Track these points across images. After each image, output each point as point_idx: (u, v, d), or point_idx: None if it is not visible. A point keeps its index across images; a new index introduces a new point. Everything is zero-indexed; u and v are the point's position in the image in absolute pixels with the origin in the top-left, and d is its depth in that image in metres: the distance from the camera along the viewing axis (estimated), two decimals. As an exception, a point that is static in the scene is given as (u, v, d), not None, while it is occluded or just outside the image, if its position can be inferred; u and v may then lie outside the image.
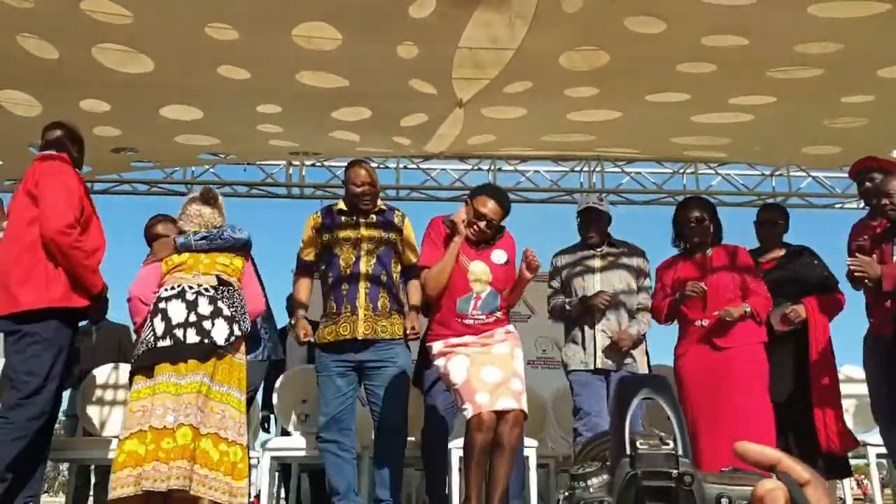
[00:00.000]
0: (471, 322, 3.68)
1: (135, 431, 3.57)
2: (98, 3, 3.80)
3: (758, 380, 4.12)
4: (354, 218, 4.25)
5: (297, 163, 8.02)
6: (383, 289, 4.18)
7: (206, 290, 3.82)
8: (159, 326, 3.69)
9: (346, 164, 8.12)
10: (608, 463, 0.58)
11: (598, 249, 4.55)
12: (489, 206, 3.75)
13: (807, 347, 4.39)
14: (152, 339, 3.68)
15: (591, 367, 4.35)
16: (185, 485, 3.48)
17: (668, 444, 0.56)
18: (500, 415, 3.47)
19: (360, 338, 4.08)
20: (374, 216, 4.28)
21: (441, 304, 3.74)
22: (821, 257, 4.66)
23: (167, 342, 3.67)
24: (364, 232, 4.22)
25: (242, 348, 3.89)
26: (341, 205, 4.32)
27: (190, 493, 3.51)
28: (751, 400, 4.05)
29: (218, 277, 3.88)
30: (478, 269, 3.74)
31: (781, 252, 4.68)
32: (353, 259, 4.17)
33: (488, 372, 3.56)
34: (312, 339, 4.23)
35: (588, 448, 0.73)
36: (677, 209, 4.58)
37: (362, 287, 4.13)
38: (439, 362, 3.68)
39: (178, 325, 3.69)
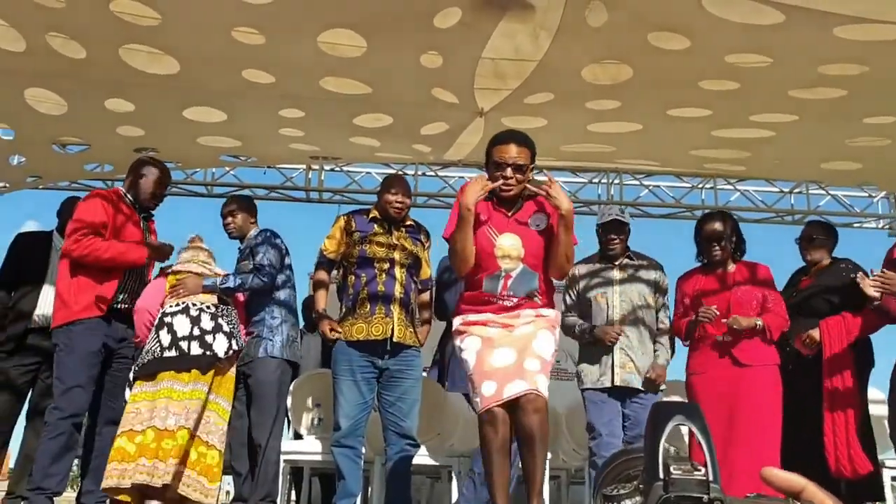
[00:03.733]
0: (499, 303, 3.19)
1: (126, 430, 3.87)
2: (127, 4, 3.84)
3: (774, 404, 4.11)
4: (387, 226, 4.32)
5: (316, 167, 8.07)
6: (409, 299, 4.29)
7: (208, 307, 4.18)
8: (165, 338, 4.02)
9: (363, 169, 8.31)
10: (639, 484, 0.60)
11: (618, 262, 4.56)
12: (511, 151, 3.23)
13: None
14: (158, 349, 4.00)
15: (608, 384, 4.34)
16: (175, 484, 3.81)
17: (700, 470, 0.58)
18: (514, 403, 3.00)
19: (394, 340, 4.13)
20: (404, 229, 4.38)
21: (467, 277, 3.29)
22: (861, 267, 4.49)
23: (173, 353, 3.99)
24: (398, 242, 4.31)
25: (235, 362, 4.25)
26: (374, 213, 4.40)
27: (176, 491, 3.82)
28: (765, 425, 4.04)
29: (218, 297, 4.28)
30: (506, 243, 3.19)
31: (823, 266, 4.62)
32: (388, 266, 4.23)
33: (499, 355, 3.08)
34: (340, 336, 4.24)
35: (612, 466, 0.75)
36: (698, 223, 4.59)
37: (397, 292, 4.21)
38: (456, 341, 3.28)
39: (183, 338, 4.03)
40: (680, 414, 0.61)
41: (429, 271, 4.54)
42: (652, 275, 4.57)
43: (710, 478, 0.57)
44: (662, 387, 4.53)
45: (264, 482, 4.32)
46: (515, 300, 3.17)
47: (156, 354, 3.98)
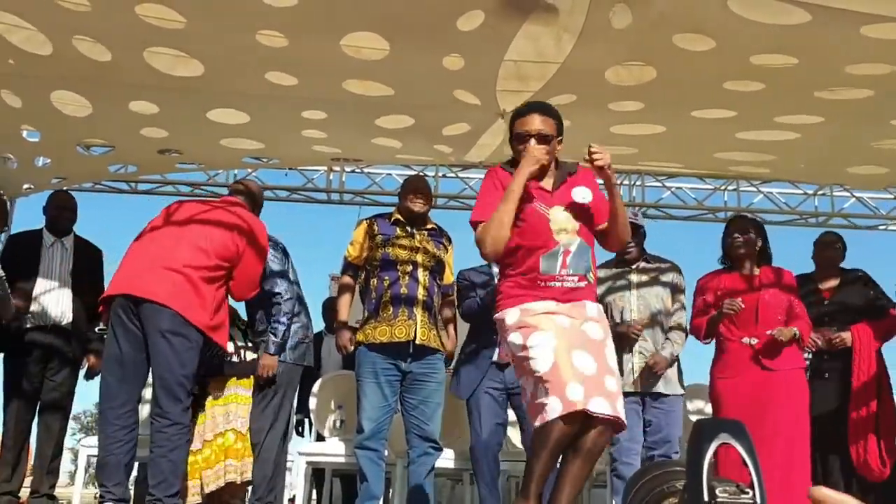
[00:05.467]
0: (558, 284, 2.89)
1: (215, 434, 4.34)
2: (153, 8, 3.86)
3: (803, 410, 4.08)
4: (410, 229, 4.33)
5: (337, 169, 8.09)
6: (432, 301, 4.29)
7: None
8: (230, 346, 4.46)
9: (384, 171, 8.30)
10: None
11: (635, 265, 4.53)
12: (535, 122, 3.01)
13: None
14: (225, 355, 4.42)
15: (628, 389, 4.31)
16: (236, 479, 4.29)
17: (747, 493, 0.56)
18: (588, 416, 2.72)
19: (417, 342, 4.13)
20: (426, 231, 4.38)
21: (514, 262, 2.97)
22: (875, 281, 4.62)
23: (236, 359, 4.50)
24: (420, 245, 4.31)
25: None
26: (396, 215, 4.41)
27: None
28: (796, 434, 4.01)
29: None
30: (561, 216, 2.93)
31: (837, 280, 4.65)
32: (411, 268, 4.24)
33: (580, 358, 2.77)
34: (353, 349, 4.26)
35: (644, 481, 0.73)
36: (726, 225, 4.58)
37: (420, 294, 4.21)
38: (514, 337, 2.87)
39: (242, 348, 4.58)
40: (725, 433, 0.60)
41: (451, 277, 4.53)
42: (669, 277, 4.56)
43: (758, 501, 0.56)
44: (681, 391, 4.46)
45: (261, 482, 4.28)
46: (576, 279, 2.90)
47: (224, 359, 4.43)
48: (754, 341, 4.15)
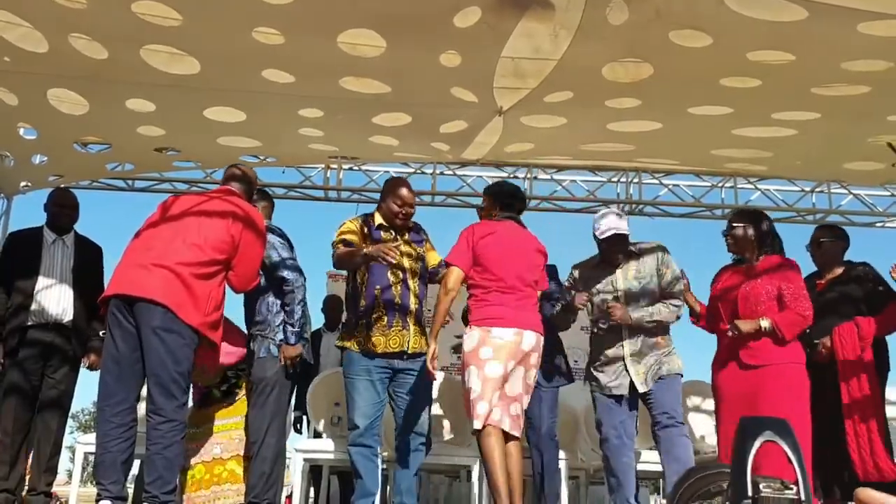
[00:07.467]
0: None
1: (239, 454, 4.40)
2: (149, 5, 3.85)
3: (795, 403, 3.90)
4: (393, 234, 4.32)
5: (334, 166, 8.06)
6: (423, 309, 4.32)
7: None
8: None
9: (382, 168, 8.28)
10: (725, 502, 0.58)
11: (620, 265, 4.45)
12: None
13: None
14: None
15: (624, 393, 4.30)
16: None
17: (791, 489, 0.56)
18: None
19: (409, 352, 4.15)
20: (408, 234, 4.38)
21: None
22: (877, 272, 4.60)
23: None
24: (406, 249, 4.28)
25: None
26: (379, 219, 4.37)
27: None
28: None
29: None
30: None
31: (839, 271, 4.63)
32: (401, 275, 4.22)
33: None
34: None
35: (689, 483, 0.73)
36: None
37: (412, 304, 4.22)
38: None
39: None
40: (769, 430, 0.59)
41: (438, 258, 4.42)
42: (655, 261, 4.42)
43: (802, 497, 0.56)
44: (678, 370, 4.36)
45: (259, 480, 4.20)
46: None
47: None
48: (736, 334, 4.06)
